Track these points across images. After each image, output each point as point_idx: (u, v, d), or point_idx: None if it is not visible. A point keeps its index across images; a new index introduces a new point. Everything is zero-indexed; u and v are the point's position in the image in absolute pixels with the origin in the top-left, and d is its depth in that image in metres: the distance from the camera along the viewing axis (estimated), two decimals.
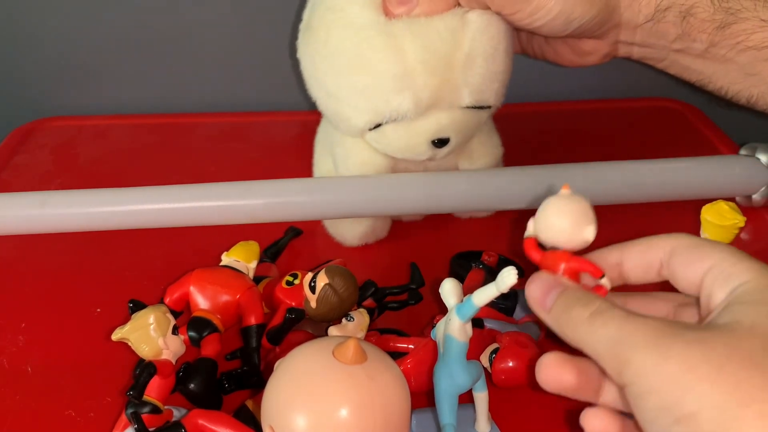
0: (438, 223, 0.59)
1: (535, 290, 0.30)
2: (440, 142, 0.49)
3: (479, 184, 0.54)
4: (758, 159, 0.57)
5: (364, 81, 0.47)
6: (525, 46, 0.57)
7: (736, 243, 0.46)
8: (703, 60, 0.49)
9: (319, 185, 0.53)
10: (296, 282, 0.44)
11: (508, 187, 0.54)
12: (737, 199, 0.59)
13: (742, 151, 0.59)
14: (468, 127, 0.50)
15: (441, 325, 0.35)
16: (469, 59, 0.47)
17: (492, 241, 0.56)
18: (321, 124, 0.60)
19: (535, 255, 0.31)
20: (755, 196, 0.57)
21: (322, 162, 0.58)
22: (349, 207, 0.52)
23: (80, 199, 0.51)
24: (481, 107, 0.50)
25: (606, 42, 0.52)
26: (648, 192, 0.56)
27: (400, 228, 0.59)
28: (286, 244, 0.54)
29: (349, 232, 0.55)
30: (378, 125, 0.49)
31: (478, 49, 0.47)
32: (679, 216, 0.57)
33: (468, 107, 0.49)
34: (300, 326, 0.44)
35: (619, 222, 0.57)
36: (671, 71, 0.53)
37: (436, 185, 0.53)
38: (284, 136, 0.72)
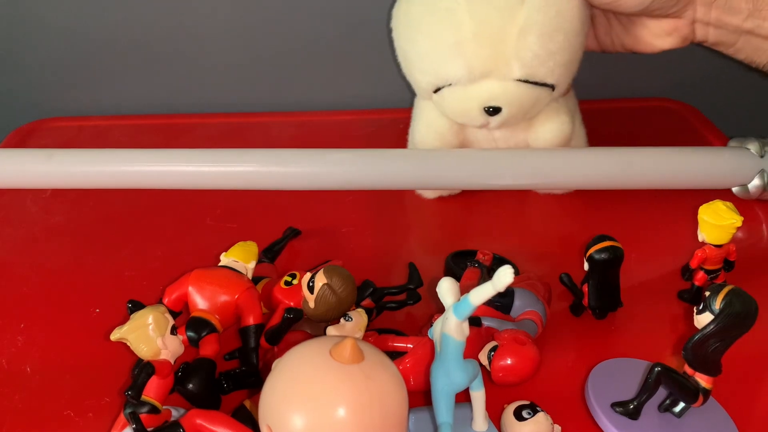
0: (437, 222, 0.59)
1: None
2: (493, 111, 0.54)
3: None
4: (748, 149, 0.57)
5: (426, 46, 0.54)
6: (603, 39, 0.59)
7: (732, 239, 0.46)
8: None
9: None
10: (295, 282, 0.44)
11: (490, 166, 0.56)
12: (734, 191, 0.59)
13: (732, 143, 0.59)
14: (522, 100, 0.54)
15: (438, 323, 0.35)
16: (522, 34, 0.51)
17: (487, 241, 0.56)
18: None
19: None
20: (751, 186, 0.57)
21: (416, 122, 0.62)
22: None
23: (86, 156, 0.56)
24: (536, 83, 0.53)
25: (684, 21, 0.54)
26: (639, 177, 0.56)
27: (399, 227, 0.59)
28: (285, 244, 0.54)
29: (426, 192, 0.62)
30: (438, 89, 0.55)
31: (532, 25, 0.51)
32: (676, 211, 0.57)
33: (522, 81, 0.53)
34: (298, 326, 0.44)
35: (616, 213, 0.58)
36: (741, 56, 0.55)
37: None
38: (284, 136, 0.72)
